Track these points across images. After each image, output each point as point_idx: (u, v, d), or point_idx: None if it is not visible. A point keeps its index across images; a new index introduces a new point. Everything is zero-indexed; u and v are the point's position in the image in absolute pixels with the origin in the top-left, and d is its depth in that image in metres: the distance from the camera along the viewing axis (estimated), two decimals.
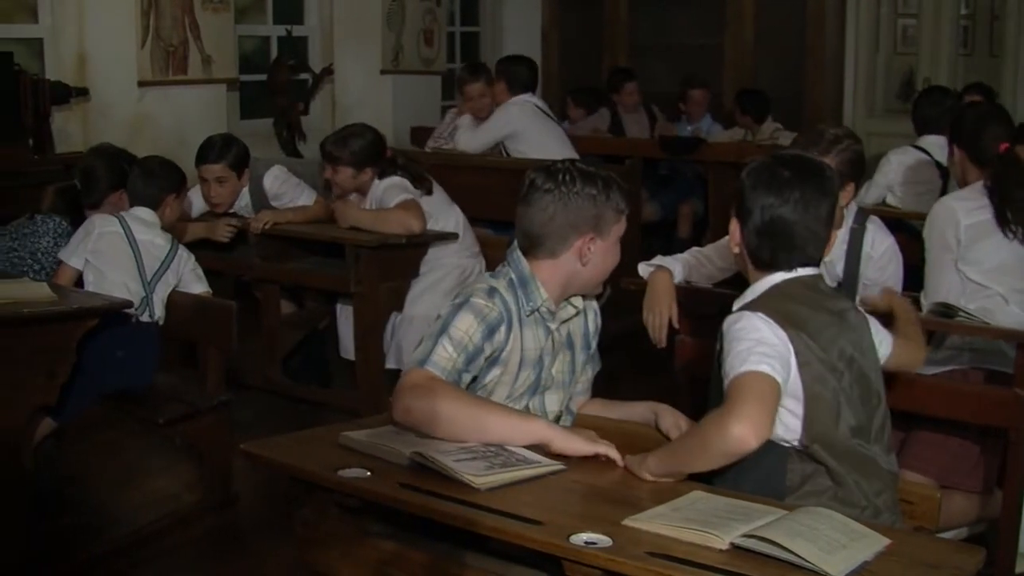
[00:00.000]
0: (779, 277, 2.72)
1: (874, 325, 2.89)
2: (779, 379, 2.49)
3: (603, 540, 2.19)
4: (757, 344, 2.53)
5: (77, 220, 4.88)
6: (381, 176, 5.54)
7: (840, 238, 3.79)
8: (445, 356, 2.76)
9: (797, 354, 2.57)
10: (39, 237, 4.85)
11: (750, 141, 8.06)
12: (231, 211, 5.82)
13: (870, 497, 2.63)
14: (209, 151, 5.61)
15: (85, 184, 4.99)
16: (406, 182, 5.51)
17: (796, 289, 2.71)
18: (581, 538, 2.20)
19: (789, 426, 2.59)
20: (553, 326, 2.95)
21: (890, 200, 5.98)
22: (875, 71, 9.27)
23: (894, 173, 5.99)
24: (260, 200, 5.78)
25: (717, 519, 2.24)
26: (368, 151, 5.54)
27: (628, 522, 2.26)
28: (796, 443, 2.61)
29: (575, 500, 2.50)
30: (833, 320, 2.69)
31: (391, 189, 5.45)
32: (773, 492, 2.56)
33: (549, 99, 7.66)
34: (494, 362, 2.85)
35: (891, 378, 3.09)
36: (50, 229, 4.88)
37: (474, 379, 2.85)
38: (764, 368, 2.48)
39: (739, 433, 2.38)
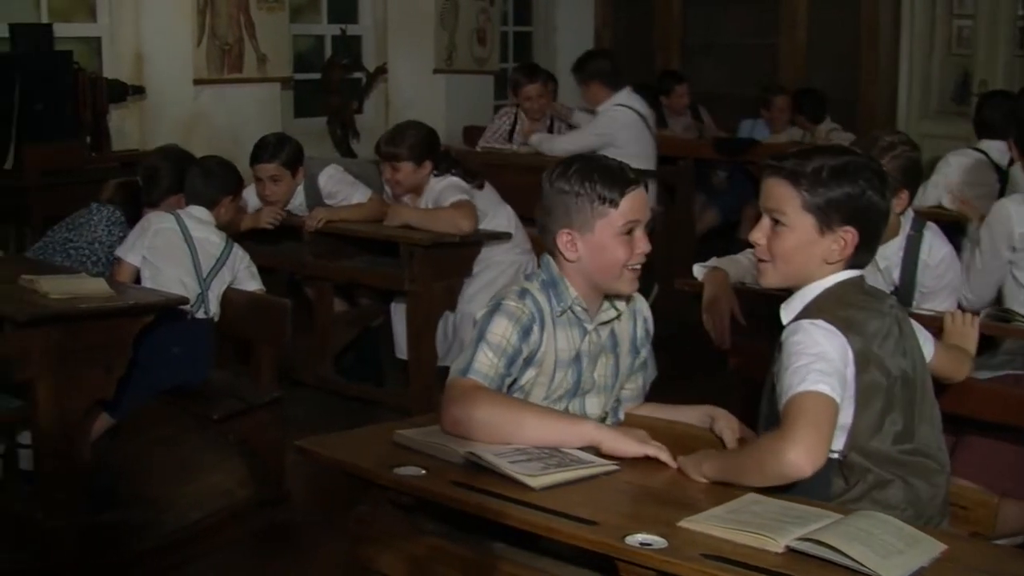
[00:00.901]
0: (843, 276, 2.67)
1: (916, 326, 2.86)
2: (837, 398, 2.45)
3: (658, 541, 2.19)
4: (816, 360, 2.48)
5: (133, 217, 4.93)
6: (437, 173, 5.57)
7: (897, 245, 3.76)
8: (487, 363, 2.76)
9: (856, 362, 2.54)
10: (94, 226, 4.90)
11: (806, 142, 7.98)
12: (286, 209, 5.84)
13: (917, 500, 2.60)
14: (263, 150, 5.65)
15: (147, 183, 5.03)
16: (463, 183, 5.54)
17: (847, 291, 2.67)
18: (636, 539, 2.19)
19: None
20: (590, 327, 2.93)
21: (946, 203, 5.89)
22: (930, 72, 9.16)
23: (952, 174, 5.92)
24: (315, 199, 5.81)
25: (772, 522, 2.23)
26: (425, 143, 5.57)
27: (683, 523, 2.26)
28: (840, 449, 2.58)
29: (628, 501, 2.49)
30: (885, 321, 2.66)
31: (449, 189, 5.48)
32: (818, 498, 2.53)
33: None
34: (529, 362, 2.85)
35: (944, 383, 3.07)
36: (104, 218, 4.93)
37: (513, 381, 2.86)
38: (822, 388, 2.44)
39: (794, 459, 2.36)
